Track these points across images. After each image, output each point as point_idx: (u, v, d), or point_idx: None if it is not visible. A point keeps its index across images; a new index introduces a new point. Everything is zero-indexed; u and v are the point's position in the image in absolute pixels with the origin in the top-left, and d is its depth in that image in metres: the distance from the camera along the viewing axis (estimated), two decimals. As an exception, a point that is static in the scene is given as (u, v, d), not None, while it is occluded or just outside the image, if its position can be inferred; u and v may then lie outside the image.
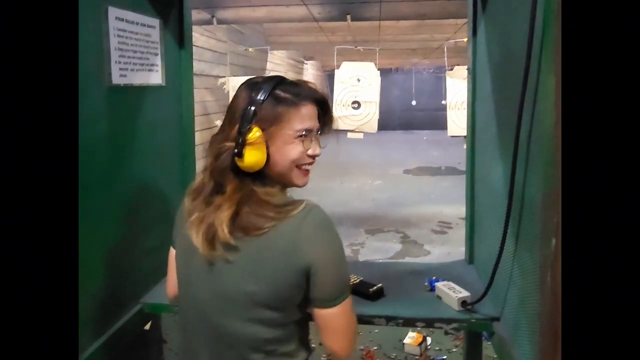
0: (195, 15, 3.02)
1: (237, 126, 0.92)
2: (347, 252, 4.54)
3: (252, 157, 0.91)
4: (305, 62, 10.29)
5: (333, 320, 0.94)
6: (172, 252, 1.09)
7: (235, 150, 0.91)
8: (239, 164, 0.92)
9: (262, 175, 0.94)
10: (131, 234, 1.34)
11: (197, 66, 3.66)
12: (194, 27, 1.68)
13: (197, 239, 0.93)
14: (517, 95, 0.99)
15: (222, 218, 0.90)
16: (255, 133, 0.91)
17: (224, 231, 0.89)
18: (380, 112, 3.42)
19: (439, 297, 1.35)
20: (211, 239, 0.91)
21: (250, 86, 0.96)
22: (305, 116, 0.95)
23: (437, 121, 11.80)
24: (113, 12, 1.21)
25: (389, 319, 1.26)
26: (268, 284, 0.90)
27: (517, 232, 1.08)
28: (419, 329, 1.36)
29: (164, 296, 1.38)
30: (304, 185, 1.00)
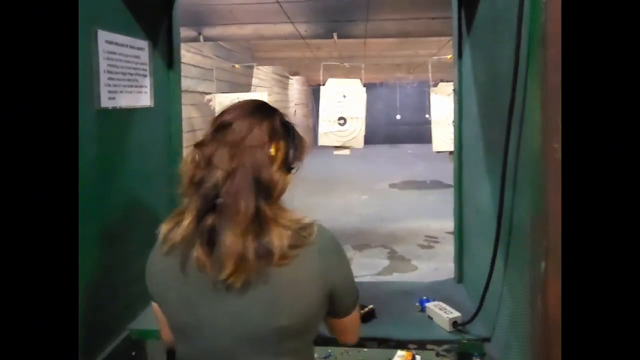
0: (182, 32, 3.04)
1: (279, 143, 0.89)
2: (335, 268, 4.52)
3: (289, 180, 0.91)
4: (290, 77, 10.35)
5: (349, 324, 1.02)
6: (156, 306, 0.99)
7: (292, 166, 0.92)
8: (284, 179, 0.88)
9: (272, 196, 0.88)
10: (118, 258, 1.32)
11: (183, 82, 3.66)
12: (181, 45, 1.68)
13: (215, 271, 0.84)
14: (503, 118, 1.01)
15: (249, 245, 0.82)
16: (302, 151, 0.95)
17: (250, 258, 0.82)
18: (365, 127, 3.45)
19: (430, 318, 1.35)
20: (237, 269, 0.82)
21: (263, 108, 0.95)
22: None
23: (422, 135, 11.93)
24: (102, 35, 1.21)
25: (381, 342, 1.26)
26: (299, 314, 0.88)
27: (507, 253, 1.09)
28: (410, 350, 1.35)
29: (152, 322, 1.35)
30: None
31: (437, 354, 1.26)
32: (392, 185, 8.92)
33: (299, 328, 0.89)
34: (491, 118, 1.25)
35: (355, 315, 1.03)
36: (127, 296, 1.35)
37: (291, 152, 0.93)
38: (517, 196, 1.01)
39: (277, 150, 0.89)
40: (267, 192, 0.86)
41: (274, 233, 0.84)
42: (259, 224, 0.84)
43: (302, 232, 0.87)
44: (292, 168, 0.93)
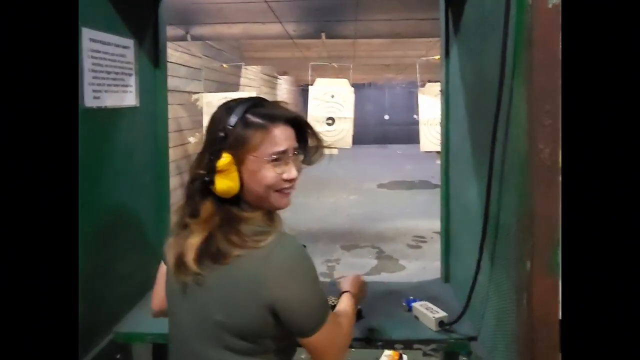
0: (169, 31, 3.01)
1: (204, 153, 0.92)
2: (323, 268, 4.52)
3: (224, 185, 0.90)
4: (279, 77, 10.32)
5: (317, 345, 0.92)
6: (163, 267, 1.07)
7: (206, 179, 0.90)
8: (214, 190, 0.91)
9: (240, 200, 0.93)
10: (103, 260, 1.30)
11: (170, 82, 3.63)
12: (168, 43, 1.67)
13: (170, 263, 0.94)
14: (490, 118, 1.02)
15: (191, 244, 0.89)
16: (224, 159, 0.89)
17: (189, 258, 0.89)
18: (354, 127, 3.46)
19: (417, 318, 1.35)
20: (180, 264, 0.91)
21: (225, 109, 0.94)
22: (277, 138, 0.92)
23: (410, 135, 11.99)
24: (87, 33, 1.19)
25: (369, 342, 1.26)
26: (234, 315, 0.88)
27: (493, 253, 1.10)
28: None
29: (138, 324, 1.34)
30: (286, 207, 0.97)
31: (424, 354, 1.27)
32: (380, 185, 8.94)
33: (239, 329, 0.89)
34: (478, 118, 1.25)
35: (321, 337, 0.91)
36: (112, 298, 1.33)
37: (212, 160, 0.90)
38: (504, 196, 1.02)
39: (203, 158, 0.92)
40: (209, 196, 0.92)
41: (219, 234, 0.89)
42: (205, 225, 0.90)
43: (253, 237, 0.89)
44: (210, 175, 0.90)
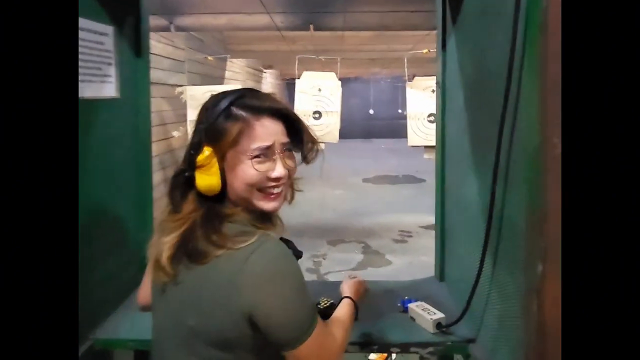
0: (153, 21, 2.90)
1: (190, 146, 0.87)
2: (309, 264, 4.47)
3: (204, 181, 0.84)
4: (264, 70, 10.20)
5: (303, 358, 0.83)
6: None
7: (186, 174, 0.85)
8: (195, 186, 0.86)
9: (225, 198, 0.87)
10: (81, 260, 1.21)
11: (153, 74, 3.49)
12: (151, 34, 1.58)
13: (150, 263, 0.89)
14: (493, 112, 0.96)
15: (166, 242, 0.84)
16: (204, 154, 0.83)
17: (163, 256, 0.84)
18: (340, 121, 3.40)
19: (413, 319, 1.30)
20: (157, 263, 0.86)
21: (213, 100, 0.87)
22: (259, 133, 0.84)
23: (395, 130, 11.99)
24: (61, 17, 1.10)
25: (363, 346, 1.20)
26: (206, 320, 0.81)
27: (496, 253, 1.05)
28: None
29: (118, 330, 1.27)
30: (274, 210, 0.89)
31: (421, 358, 1.22)
32: (365, 180, 8.92)
33: (212, 337, 0.81)
34: (479, 111, 1.20)
35: (307, 353, 0.82)
36: (91, 303, 1.25)
37: (193, 154, 0.85)
38: (508, 193, 0.97)
39: (190, 152, 0.86)
40: (191, 193, 0.87)
41: (199, 232, 0.82)
42: (183, 222, 0.84)
43: (235, 237, 0.81)
44: (190, 170, 0.84)
